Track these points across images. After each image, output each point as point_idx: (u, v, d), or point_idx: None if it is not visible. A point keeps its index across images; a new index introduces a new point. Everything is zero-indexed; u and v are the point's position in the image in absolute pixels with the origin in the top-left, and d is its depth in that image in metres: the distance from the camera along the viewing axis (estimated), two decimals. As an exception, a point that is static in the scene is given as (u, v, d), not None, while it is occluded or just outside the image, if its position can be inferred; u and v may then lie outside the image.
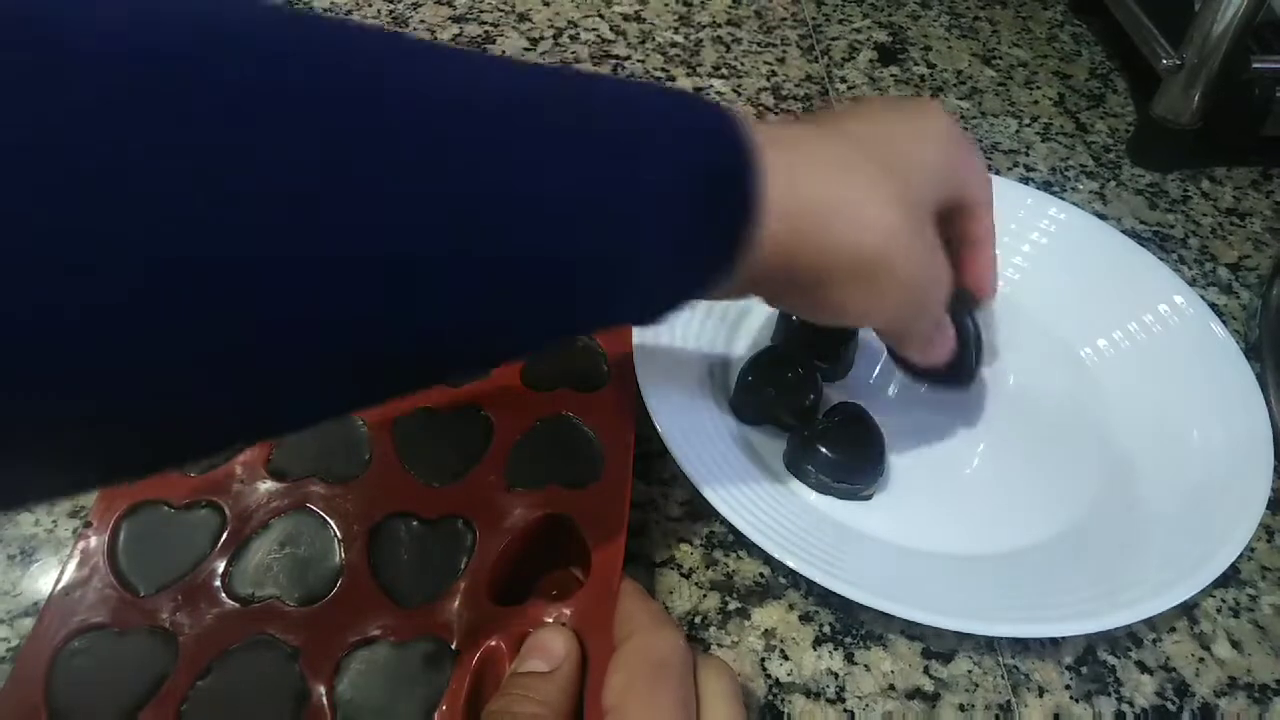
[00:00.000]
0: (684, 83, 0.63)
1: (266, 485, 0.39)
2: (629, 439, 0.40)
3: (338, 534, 0.37)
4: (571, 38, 0.66)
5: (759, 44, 0.67)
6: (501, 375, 0.42)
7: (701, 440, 0.40)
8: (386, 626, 0.34)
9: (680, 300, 0.29)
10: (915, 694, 0.37)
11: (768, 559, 0.40)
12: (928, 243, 0.32)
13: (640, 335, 0.43)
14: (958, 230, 0.37)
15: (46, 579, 0.38)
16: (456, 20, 0.67)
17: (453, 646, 0.34)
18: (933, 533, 0.41)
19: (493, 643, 0.34)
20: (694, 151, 0.26)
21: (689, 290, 0.29)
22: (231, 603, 0.35)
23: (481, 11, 0.68)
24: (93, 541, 0.36)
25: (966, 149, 0.35)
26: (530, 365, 0.43)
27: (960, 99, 0.64)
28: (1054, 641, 0.38)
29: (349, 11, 0.67)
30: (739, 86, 0.63)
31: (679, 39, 0.67)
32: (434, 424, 0.41)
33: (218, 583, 0.36)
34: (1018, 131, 0.62)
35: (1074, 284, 0.49)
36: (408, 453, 0.40)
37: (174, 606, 0.35)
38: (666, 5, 0.70)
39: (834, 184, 0.29)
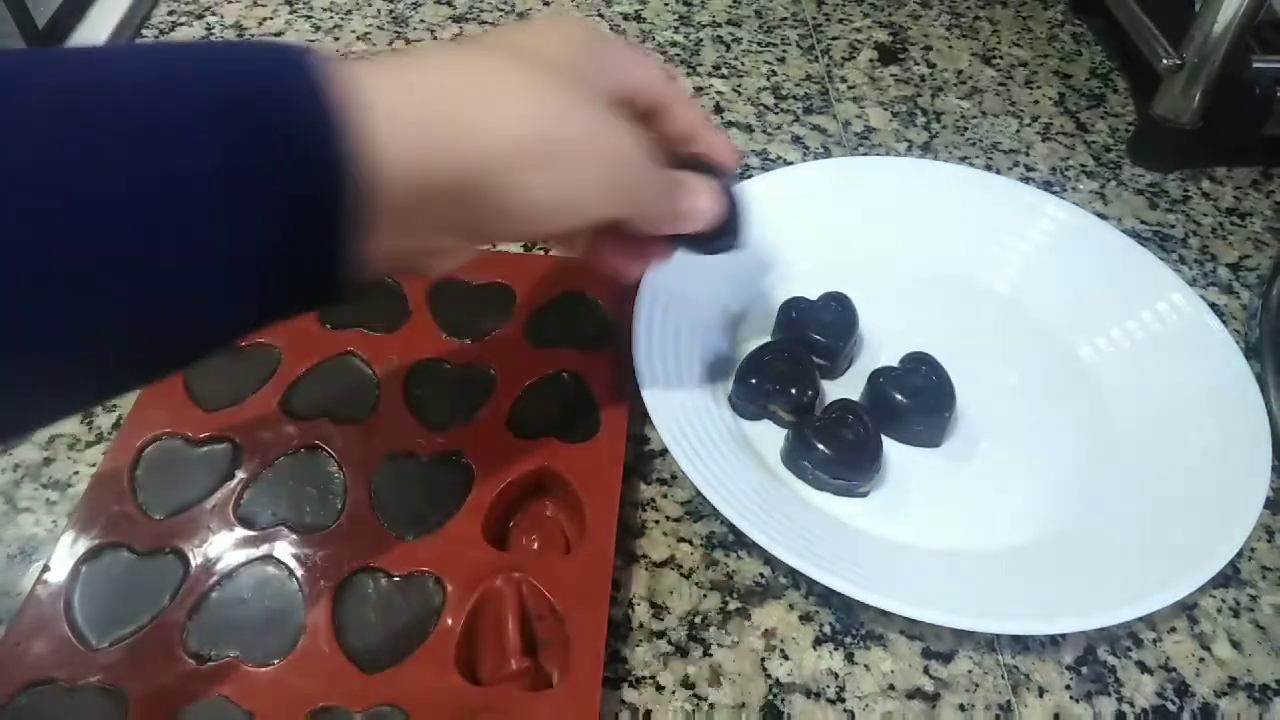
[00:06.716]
0: (684, 82, 0.63)
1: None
2: (626, 397, 0.41)
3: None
4: (571, 37, 0.66)
5: (759, 43, 0.67)
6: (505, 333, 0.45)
7: (700, 438, 0.40)
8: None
9: (318, 274, 0.25)
10: (915, 694, 0.37)
11: (768, 559, 0.40)
12: (599, 109, 0.29)
13: (640, 332, 0.43)
14: (669, 135, 0.35)
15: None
16: (457, 20, 0.67)
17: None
18: (932, 531, 0.41)
19: (497, 582, 0.36)
20: (239, 101, 0.23)
21: (321, 254, 0.25)
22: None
23: (482, 11, 0.68)
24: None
25: (616, 42, 0.33)
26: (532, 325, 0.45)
27: (961, 99, 0.64)
28: (1054, 641, 0.38)
29: (349, 11, 0.67)
30: (739, 86, 0.63)
31: (679, 39, 0.67)
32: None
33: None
34: (1018, 131, 0.62)
35: (1074, 283, 0.49)
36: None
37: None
38: (666, 5, 0.70)
39: (461, 78, 0.26)
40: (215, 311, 0.24)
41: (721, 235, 0.36)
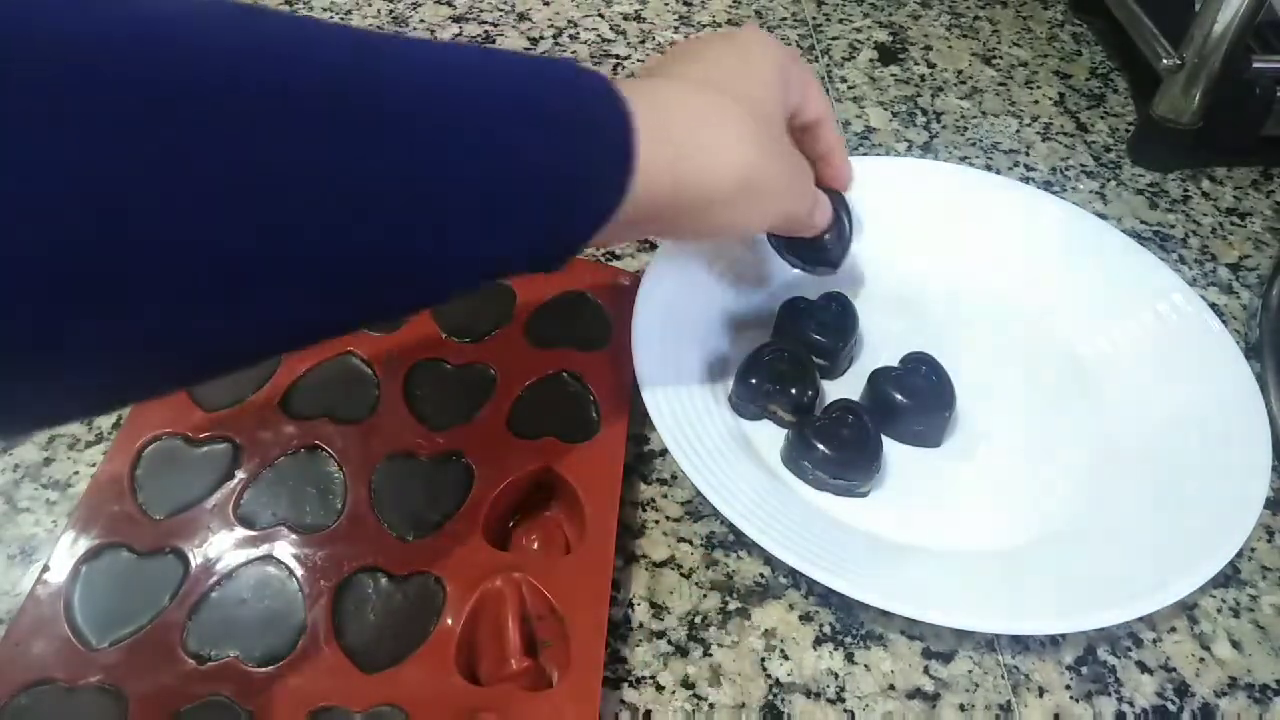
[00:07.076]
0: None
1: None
2: (626, 397, 0.41)
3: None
4: (571, 37, 0.66)
5: (759, 43, 0.67)
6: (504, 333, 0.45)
7: (700, 438, 0.40)
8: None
9: (563, 250, 0.30)
10: (915, 694, 0.37)
11: (768, 559, 0.40)
12: (785, 149, 0.37)
13: (640, 332, 0.43)
14: (806, 148, 0.41)
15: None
16: (456, 20, 0.67)
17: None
18: (932, 530, 0.41)
19: (497, 583, 0.36)
20: (573, 116, 0.28)
21: (572, 240, 0.30)
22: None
23: (481, 11, 0.68)
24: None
25: (797, 63, 0.39)
26: (533, 323, 0.45)
27: (960, 99, 0.64)
28: (1054, 641, 0.38)
29: (349, 12, 0.67)
30: (739, 86, 0.63)
31: (679, 39, 0.67)
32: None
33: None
34: (1018, 131, 0.62)
35: (1073, 283, 0.49)
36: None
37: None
38: (667, 5, 0.70)
39: (696, 126, 0.33)
40: (440, 295, 0.29)
41: (820, 258, 0.43)
